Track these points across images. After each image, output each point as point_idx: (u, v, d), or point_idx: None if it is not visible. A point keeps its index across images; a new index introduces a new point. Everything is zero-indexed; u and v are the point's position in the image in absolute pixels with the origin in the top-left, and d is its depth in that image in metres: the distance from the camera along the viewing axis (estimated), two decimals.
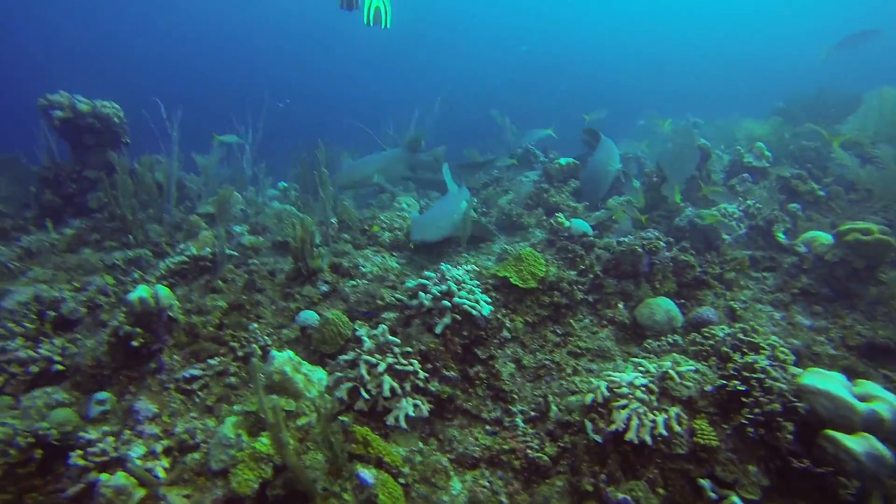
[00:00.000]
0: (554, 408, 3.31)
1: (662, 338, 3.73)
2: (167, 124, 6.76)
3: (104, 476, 2.95)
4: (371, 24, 7.00)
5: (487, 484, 3.04)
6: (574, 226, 5.12)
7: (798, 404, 2.81)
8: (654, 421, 2.80)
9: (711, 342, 3.37)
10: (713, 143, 6.41)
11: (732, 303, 4.19)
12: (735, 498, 2.62)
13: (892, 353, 3.62)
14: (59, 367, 3.83)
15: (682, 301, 4.14)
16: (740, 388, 2.87)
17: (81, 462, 3.05)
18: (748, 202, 5.26)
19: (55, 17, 34.40)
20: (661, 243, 4.26)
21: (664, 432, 2.77)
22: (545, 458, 3.06)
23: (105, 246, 5.98)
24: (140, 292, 3.82)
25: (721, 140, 8.03)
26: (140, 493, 3.02)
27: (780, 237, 4.81)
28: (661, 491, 2.77)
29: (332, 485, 2.78)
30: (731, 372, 2.97)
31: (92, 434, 3.25)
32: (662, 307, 3.88)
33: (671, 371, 2.96)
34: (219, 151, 7.92)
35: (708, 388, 3.01)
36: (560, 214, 5.30)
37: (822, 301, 4.23)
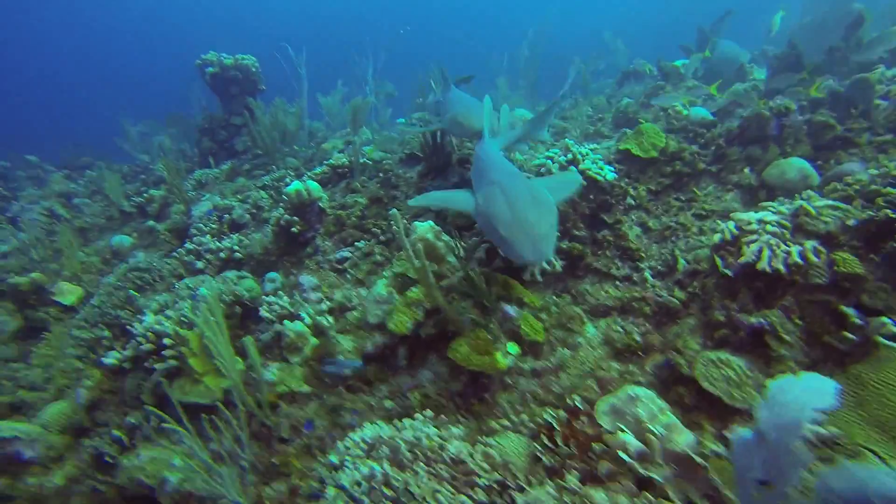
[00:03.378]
0: (682, 261, 3.37)
1: (796, 195, 3.56)
2: (296, 65, 7.46)
3: (287, 322, 3.59)
4: None
5: (620, 328, 3.22)
6: (693, 113, 4.94)
7: None
8: (787, 251, 2.77)
9: (857, 187, 3.18)
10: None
11: (889, 165, 3.84)
12: (886, 319, 2.55)
13: None
14: (238, 255, 4.61)
15: (820, 163, 3.88)
16: (892, 215, 2.72)
17: (268, 315, 3.72)
18: None
19: None
20: (793, 105, 3.99)
21: (799, 261, 2.74)
22: (675, 301, 3.17)
23: (255, 175, 6.87)
24: (295, 185, 4.43)
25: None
26: (314, 340, 3.63)
27: None
28: (797, 320, 2.77)
29: (479, 318, 3.13)
30: (882, 204, 2.82)
31: (272, 298, 3.93)
32: (795, 166, 3.68)
33: (806, 205, 2.88)
34: (340, 91, 8.57)
35: (851, 222, 2.89)
36: (677, 103, 5.13)
37: None
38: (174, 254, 4.94)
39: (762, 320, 2.73)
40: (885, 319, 2.56)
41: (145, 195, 6.53)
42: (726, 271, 2.93)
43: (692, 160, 4.01)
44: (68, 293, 4.65)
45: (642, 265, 3.54)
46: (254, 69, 8.06)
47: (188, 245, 4.73)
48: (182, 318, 3.75)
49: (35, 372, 3.96)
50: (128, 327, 4.15)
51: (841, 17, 5.17)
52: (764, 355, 2.76)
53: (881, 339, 2.54)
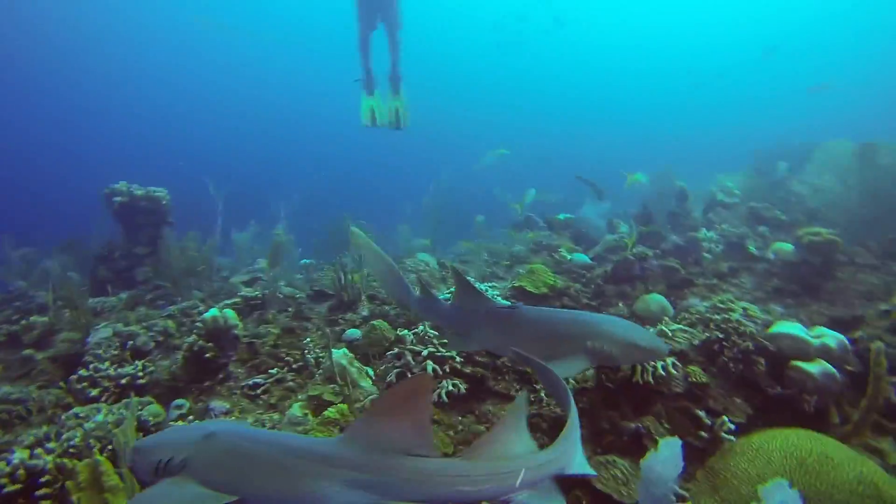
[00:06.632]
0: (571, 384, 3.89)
1: (658, 324, 4.37)
2: (213, 201, 7.82)
3: None
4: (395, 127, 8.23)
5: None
6: (575, 258, 5.95)
7: (768, 345, 3.45)
8: (654, 366, 3.41)
9: (697, 315, 4.03)
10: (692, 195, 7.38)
11: (714, 299, 4.87)
12: (725, 418, 3.18)
13: (848, 324, 4.26)
14: (142, 381, 4.43)
15: (672, 298, 4.83)
16: (719, 335, 3.52)
17: None
18: (723, 226, 6.11)
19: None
20: (650, 252, 5.04)
21: (663, 373, 3.38)
22: None
23: (157, 305, 6.72)
24: (212, 312, 4.53)
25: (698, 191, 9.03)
26: None
27: (752, 249, 5.59)
28: (665, 424, 3.33)
29: None
30: (713, 327, 3.64)
31: (179, 424, 3.81)
32: (655, 300, 4.57)
33: (663, 328, 3.62)
34: (253, 229, 8.96)
35: (696, 342, 3.66)
36: (562, 248, 6.15)
37: (791, 296, 4.93)
38: (58, 384, 4.60)
39: (640, 425, 3.25)
40: (724, 418, 3.19)
41: (23, 322, 6.07)
42: (609, 384, 3.49)
43: (577, 296, 4.79)
44: None
45: (539, 385, 4.02)
46: (164, 202, 8.21)
47: (82, 372, 4.46)
48: (70, 450, 3.48)
49: None
50: None
51: (672, 189, 6.76)
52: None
53: (723, 435, 3.14)
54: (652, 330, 3.74)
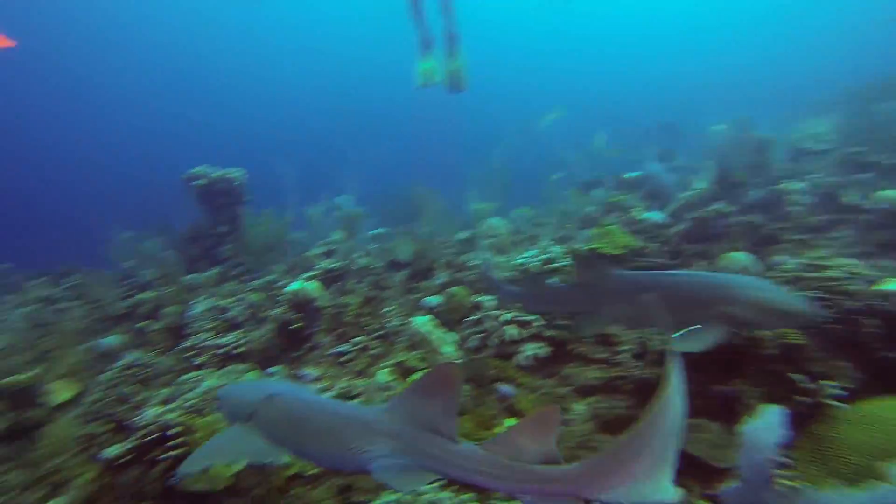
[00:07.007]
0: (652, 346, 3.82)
1: None
2: (285, 179, 8.16)
3: None
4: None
5: (606, 405, 3.55)
6: (649, 217, 5.74)
7: (878, 304, 3.21)
8: None
9: (789, 273, 3.79)
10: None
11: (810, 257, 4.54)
12: (829, 382, 3.01)
13: None
14: (239, 350, 4.80)
15: (758, 256, 4.56)
16: (820, 295, 3.31)
17: None
18: (813, 176, 5.66)
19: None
20: (731, 209, 4.77)
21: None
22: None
23: (243, 280, 7.17)
24: (295, 286, 4.79)
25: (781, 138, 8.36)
26: None
27: (851, 199, 5.15)
28: (759, 389, 3.20)
29: (479, 398, 3.43)
30: (809, 286, 3.42)
31: None
32: (737, 259, 4.35)
33: None
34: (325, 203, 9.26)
35: None
36: (634, 208, 5.94)
37: None
38: (170, 352, 5.07)
39: (731, 389, 3.17)
40: (827, 382, 3.02)
41: (135, 298, 6.69)
42: None
43: (655, 255, 4.65)
44: (61, 391, 4.67)
45: (620, 348, 3.98)
46: (238, 182, 8.62)
47: (187, 342, 4.90)
48: (190, 409, 3.86)
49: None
50: (126, 423, 4.18)
51: (751, 139, 6.33)
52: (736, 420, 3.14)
53: (828, 400, 2.98)
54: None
